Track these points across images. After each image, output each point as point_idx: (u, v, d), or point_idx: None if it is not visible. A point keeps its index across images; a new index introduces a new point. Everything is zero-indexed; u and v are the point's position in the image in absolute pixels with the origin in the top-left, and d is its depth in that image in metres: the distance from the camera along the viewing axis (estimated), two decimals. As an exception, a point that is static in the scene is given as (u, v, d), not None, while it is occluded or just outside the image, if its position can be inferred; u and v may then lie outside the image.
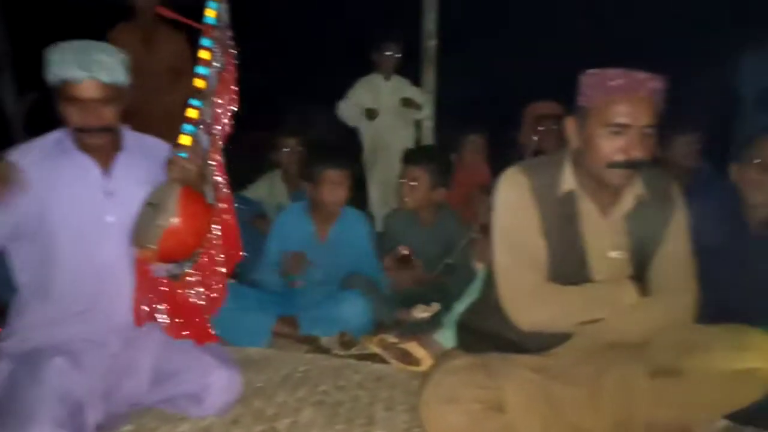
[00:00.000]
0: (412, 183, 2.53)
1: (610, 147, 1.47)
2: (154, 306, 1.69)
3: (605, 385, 1.48)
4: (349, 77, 3.91)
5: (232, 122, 1.74)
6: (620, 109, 1.46)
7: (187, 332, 1.69)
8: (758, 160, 1.89)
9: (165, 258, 1.61)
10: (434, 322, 2.24)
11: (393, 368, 2.04)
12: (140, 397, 1.70)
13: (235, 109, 1.75)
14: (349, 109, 3.84)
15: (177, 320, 1.69)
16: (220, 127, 1.73)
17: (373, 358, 2.12)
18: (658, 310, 1.55)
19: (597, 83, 1.49)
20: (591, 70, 1.53)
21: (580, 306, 1.54)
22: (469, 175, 3.53)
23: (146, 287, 1.68)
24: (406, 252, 2.52)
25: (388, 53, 3.81)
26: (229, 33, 1.73)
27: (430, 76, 4.16)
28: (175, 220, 1.53)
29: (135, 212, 1.59)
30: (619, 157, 1.47)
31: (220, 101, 1.71)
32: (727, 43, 3.62)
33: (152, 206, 1.58)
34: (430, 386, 1.43)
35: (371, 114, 3.74)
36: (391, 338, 2.11)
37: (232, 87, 1.74)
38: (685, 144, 2.72)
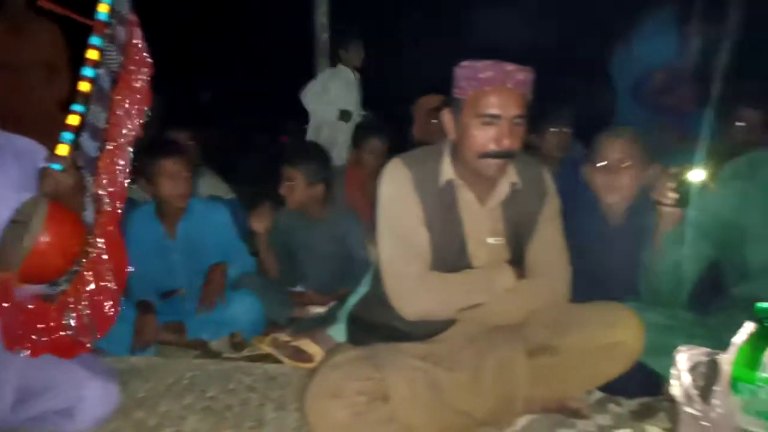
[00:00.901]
0: (289, 183, 2.50)
1: (483, 137, 1.52)
2: (22, 329, 1.55)
3: (486, 367, 1.53)
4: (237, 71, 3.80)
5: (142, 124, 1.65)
6: (491, 100, 1.50)
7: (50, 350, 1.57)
8: (604, 163, 1.91)
9: (30, 280, 1.51)
10: (330, 317, 2.23)
11: (286, 367, 2.00)
12: (3, 417, 1.56)
13: (147, 110, 1.65)
14: (324, 109, 3.67)
15: (42, 339, 1.57)
16: (126, 131, 1.62)
17: (266, 358, 2.07)
18: (535, 291, 1.62)
19: (469, 75, 1.53)
20: (463, 62, 1.57)
21: (462, 292, 1.58)
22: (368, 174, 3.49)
23: (11, 310, 1.54)
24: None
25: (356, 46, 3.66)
26: (135, 30, 1.62)
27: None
28: (42, 240, 1.43)
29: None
30: (491, 148, 1.52)
31: (124, 104, 1.60)
32: (604, 35, 3.84)
33: (18, 224, 1.45)
34: (314, 383, 1.42)
35: (346, 116, 3.62)
36: (284, 337, 2.08)
37: (140, 87, 1.64)
38: (554, 134, 2.90)
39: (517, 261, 1.66)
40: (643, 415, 1.62)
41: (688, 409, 1.18)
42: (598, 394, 1.72)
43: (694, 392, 1.18)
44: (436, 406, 1.44)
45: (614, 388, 1.67)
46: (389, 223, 1.62)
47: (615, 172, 1.90)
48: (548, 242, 1.67)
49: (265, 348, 2.07)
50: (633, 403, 1.68)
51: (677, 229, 1.60)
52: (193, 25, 6.27)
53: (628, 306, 1.65)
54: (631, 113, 3.63)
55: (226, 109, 6.65)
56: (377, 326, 1.65)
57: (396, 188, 1.61)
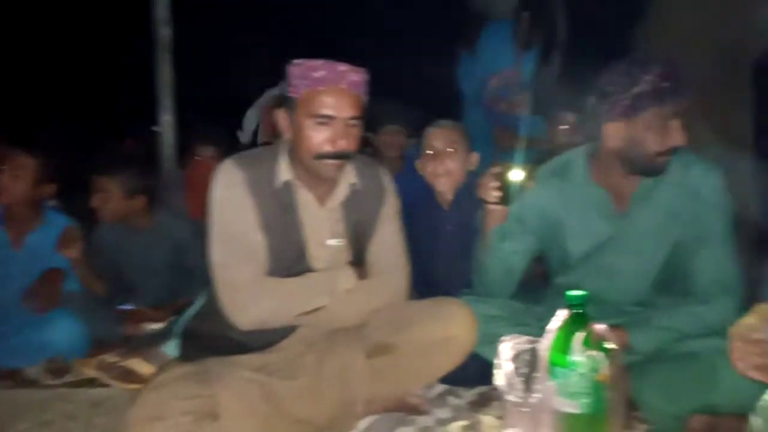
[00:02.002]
0: (101, 194, 2.31)
1: (317, 138, 1.49)
2: None
3: (326, 372, 1.50)
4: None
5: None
6: (324, 101, 1.48)
7: None
8: (431, 152, 2.08)
9: None
10: (167, 332, 2.07)
11: (115, 391, 1.82)
12: None
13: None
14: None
15: None
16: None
17: (92, 383, 1.87)
18: (375, 291, 1.63)
19: (301, 74, 1.50)
20: (296, 60, 1.53)
21: (300, 296, 1.54)
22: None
23: None
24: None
25: None
26: None
27: (165, 69, 3.86)
28: None
29: None
30: (326, 148, 1.49)
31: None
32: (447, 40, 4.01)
33: None
34: (136, 406, 1.29)
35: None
36: (112, 357, 1.89)
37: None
38: (390, 135, 2.99)
39: (359, 262, 1.66)
40: (479, 404, 1.69)
41: (510, 397, 1.24)
42: (440, 388, 1.76)
43: (515, 380, 1.24)
44: (272, 418, 1.38)
45: (455, 380, 1.72)
46: (221, 228, 1.53)
47: (441, 159, 2.05)
48: (387, 241, 1.68)
49: (90, 371, 1.87)
50: (471, 394, 1.75)
51: (503, 224, 1.68)
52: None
53: (462, 299, 1.72)
54: (474, 116, 3.82)
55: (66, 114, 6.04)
56: (212, 339, 1.55)
57: (227, 191, 1.53)
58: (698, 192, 1.55)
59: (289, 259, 1.57)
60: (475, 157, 2.12)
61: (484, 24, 3.69)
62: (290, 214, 1.57)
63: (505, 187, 1.57)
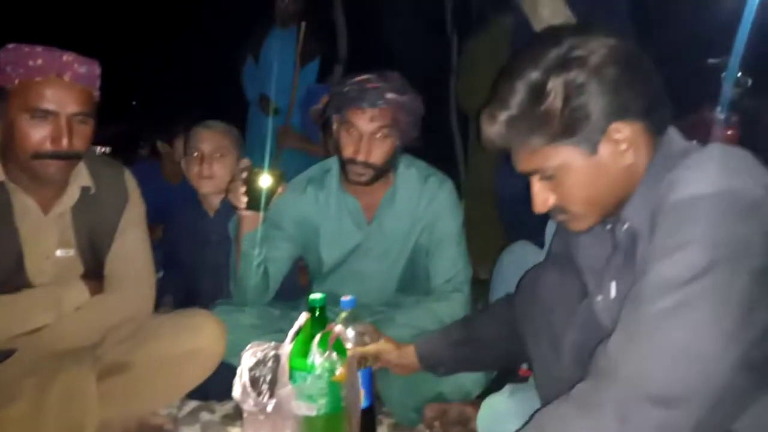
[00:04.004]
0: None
1: (34, 135, 1.32)
2: None
3: (50, 396, 1.32)
4: None
5: None
6: (42, 93, 1.31)
7: None
8: (195, 153, 1.97)
9: None
10: None
11: None
12: None
13: None
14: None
15: None
16: None
17: None
18: (113, 306, 1.49)
19: (14, 59, 1.31)
20: (10, 45, 1.34)
21: (16, 315, 1.36)
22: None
23: None
24: None
25: None
26: None
27: None
28: None
29: None
30: (46, 147, 1.33)
31: None
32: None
33: None
34: None
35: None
36: None
37: None
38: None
39: (95, 274, 1.50)
40: (233, 418, 1.63)
41: (246, 406, 1.21)
42: (193, 404, 1.67)
43: (251, 388, 1.22)
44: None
45: (208, 394, 1.65)
46: None
47: (207, 162, 1.95)
48: (130, 251, 1.55)
49: None
50: (226, 408, 1.69)
51: (260, 230, 1.66)
52: None
53: (216, 309, 1.66)
54: (258, 120, 3.76)
55: None
56: None
57: None
58: (434, 200, 1.70)
59: (3, 273, 1.36)
60: (245, 163, 2.01)
61: (268, 31, 3.71)
62: (5, 222, 1.37)
63: (253, 191, 1.55)
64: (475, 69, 2.95)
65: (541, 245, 1.61)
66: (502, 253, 1.81)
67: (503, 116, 0.94)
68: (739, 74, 3.21)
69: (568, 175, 0.95)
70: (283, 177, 1.57)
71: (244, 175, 1.54)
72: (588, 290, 1.09)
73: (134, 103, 6.65)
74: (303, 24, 3.48)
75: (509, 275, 1.64)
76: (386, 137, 1.59)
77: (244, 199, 1.55)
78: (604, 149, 0.92)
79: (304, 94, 3.47)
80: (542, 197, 0.99)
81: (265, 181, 1.53)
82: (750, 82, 3.19)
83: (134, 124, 4.69)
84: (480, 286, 2.03)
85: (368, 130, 1.56)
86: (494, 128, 0.96)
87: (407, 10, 4.79)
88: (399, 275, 1.75)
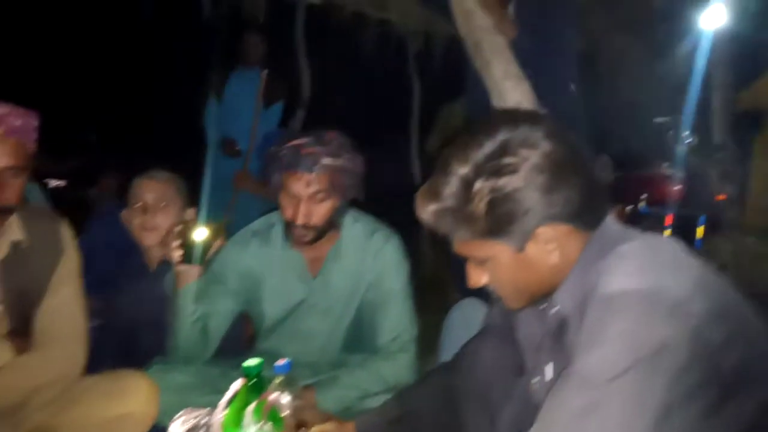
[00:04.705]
0: None
1: None
2: None
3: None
4: None
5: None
6: None
7: None
8: (139, 203, 1.90)
9: None
10: None
11: None
12: None
13: None
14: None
15: None
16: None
17: None
18: (38, 366, 1.42)
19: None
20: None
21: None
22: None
23: None
24: None
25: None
26: None
27: None
28: None
29: None
30: None
31: None
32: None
33: None
34: None
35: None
36: None
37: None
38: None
39: (23, 331, 1.43)
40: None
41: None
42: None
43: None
44: None
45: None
46: None
47: (151, 213, 1.88)
48: (61, 308, 1.49)
49: None
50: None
51: (201, 285, 1.62)
52: None
53: (152, 369, 1.59)
54: (219, 161, 3.67)
55: None
56: None
57: None
58: (379, 256, 1.69)
59: None
60: (191, 213, 1.88)
61: (231, 71, 3.68)
62: None
63: (188, 245, 1.51)
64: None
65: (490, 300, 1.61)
66: (451, 311, 1.80)
67: (432, 207, 0.96)
68: (686, 132, 3.36)
69: (496, 267, 0.96)
70: (221, 229, 1.54)
71: (180, 227, 1.51)
72: (526, 366, 1.09)
73: (93, 137, 6.52)
74: (265, 71, 3.49)
75: (457, 334, 1.63)
76: (325, 199, 1.57)
77: (179, 253, 1.51)
78: (531, 248, 0.93)
79: (262, 139, 3.45)
80: (475, 278, 1.01)
81: (200, 234, 1.50)
82: (694, 140, 3.34)
83: (92, 159, 4.60)
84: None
85: (305, 194, 1.55)
86: (424, 214, 0.97)
87: (370, 56, 4.89)
88: (344, 333, 1.72)
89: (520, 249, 0.93)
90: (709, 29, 3.38)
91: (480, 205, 0.90)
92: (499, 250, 0.94)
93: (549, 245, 0.93)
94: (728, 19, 3.45)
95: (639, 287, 0.81)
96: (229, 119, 3.64)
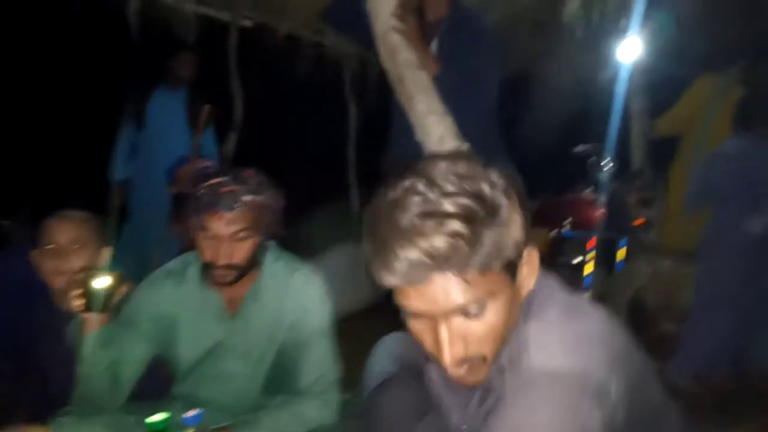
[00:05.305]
0: None
1: None
2: None
3: None
4: None
5: None
6: None
7: None
8: (51, 246, 1.80)
9: None
10: None
11: None
12: None
13: None
14: None
15: None
16: None
17: None
18: None
19: None
20: None
21: None
22: None
23: None
24: None
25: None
26: None
27: None
28: None
29: None
30: None
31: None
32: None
33: None
34: None
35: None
36: None
37: None
38: None
39: None
40: None
41: None
42: None
43: None
44: None
45: None
46: None
47: (63, 256, 1.78)
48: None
49: None
50: None
51: (106, 330, 1.56)
52: None
53: (57, 420, 1.52)
54: (145, 192, 3.52)
55: None
56: None
57: None
58: (301, 296, 1.67)
59: None
60: (105, 254, 1.80)
61: (152, 93, 3.47)
62: None
63: (89, 293, 1.47)
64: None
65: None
66: (375, 346, 1.80)
67: (450, 229, 0.82)
68: (607, 159, 3.52)
69: (497, 307, 0.88)
70: (122, 276, 1.50)
71: (79, 276, 1.46)
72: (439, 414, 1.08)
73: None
74: (197, 93, 3.40)
75: (380, 370, 1.63)
76: (246, 238, 1.56)
77: (80, 301, 1.47)
78: (521, 275, 0.92)
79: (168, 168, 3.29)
80: (457, 348, 0.88)
81: (100, 282, 1.46)
82: (614, 166, 3.49)
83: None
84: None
85: (226, 233, 1.52)
86: (436, 242, 0.82)
87: (305, 79, 4.87)
88: (264, 375, 1.69)
89: (514, 278, 0.90)
90: (627, 61, 3.57)
91: (489, 229, 0.84)
92: (503, 281, 0.87)
93: (530, 270, 0.93)
94: (643, 52, 3.65)
95: (563, 369, 0.83)
96: (153, 145, 3.47)
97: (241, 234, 1.54)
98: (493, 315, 0.87)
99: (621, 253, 3.48)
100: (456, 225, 0.82)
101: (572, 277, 3.37)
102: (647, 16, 3.28)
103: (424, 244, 0.81)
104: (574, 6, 3.23)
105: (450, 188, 0.84)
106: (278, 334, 1.67)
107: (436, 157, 0.92)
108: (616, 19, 3.43)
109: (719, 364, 2.73)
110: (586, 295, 3.51)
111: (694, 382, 2.73)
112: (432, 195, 0.84)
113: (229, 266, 1.55)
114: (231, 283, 1.59)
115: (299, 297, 1.67)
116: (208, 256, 1.54)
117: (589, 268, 3.54)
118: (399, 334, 1.76)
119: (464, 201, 0.83)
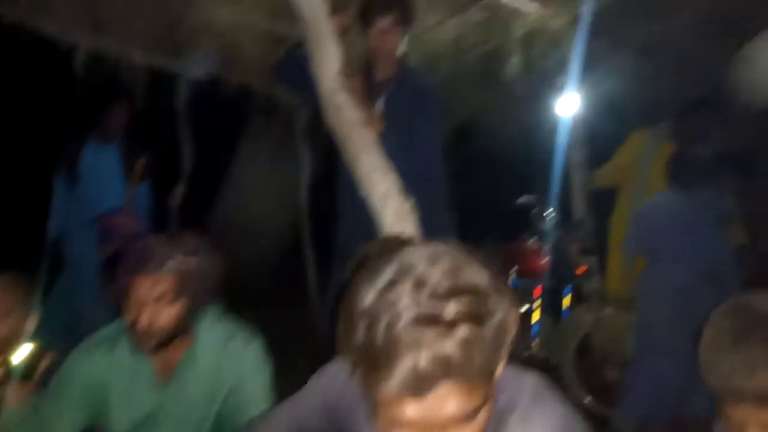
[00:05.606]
0: None
1: None
2: None
3: None
4: None
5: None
6: None
7: None
8: None
9: None
10: None
11: None
12: None
13: None
14: None
15: None
16: None
17: None
18: None
19: None
20: None
21: None
22: None
23: None
24: None
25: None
26: None
27: None
28: None
29: None
30: None
31: None
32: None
33: None
34: None
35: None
36: None
37: None
38: None
39: None
40: None
41: None
42: None
43: None
44: None
45: None
46: None
47: None
48: None
49: None
50: None
51: (33, 400, 1.49)
52: None
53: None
54: (80, 246, 3.36)
55: None
56: None
57: None
58: (239, 361, 1.64)
59: None
60: (31, 321, 1.65)
61: (84, 146, 3.37)
62: None
63: (10, 366, 1.41)
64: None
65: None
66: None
67: (466, 332, 0.77)
68: (549, 209, 3.63)
69: (489, 404, 0.84)
70: (45, 347, 1.45)
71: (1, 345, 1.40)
72: None
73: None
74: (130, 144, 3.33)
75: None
76: (172, 302, 1.51)
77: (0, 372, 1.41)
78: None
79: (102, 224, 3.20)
80: None
81: (22, 351, 1.41)
82: (556, 216, 3.61)
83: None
84: None
85: (151, 296, 1.48)
86: (449, 346, 0.75)
87: (256, 130, 4.88)
88: (201, 442, 1.64)
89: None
90: (566, 115, 3.74)
91: (492, 328, 0.80)
92: (492, 387, 0.84)
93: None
94: (581, 106, 3.83)
95: None
96: (87, 198, 3.34)
97: (167, 298, 1.50)
98: (484, 415, 0.83)
99: (566, 301, 3.56)
100: (464, 331, 0.76)
101: (519, 326, 3.41)
102: (584, 73, 3.46)
103: (430, 351, 0.75)
104: (516, 63, 3.38)
105: (444, 286, 0.78)
106: (216, 400, 1.63)
107: (412, 246, 0.87)
108: (555, 75, 3.60)
109: (662, 411, 2.78)
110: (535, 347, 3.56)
111: (637, 430, 2.78)
112: (423, 297, 0.78)
113: (150, 331, 1.50)
114: (158, 349, 1.55)
115: (238, 362, 1.64)
116: (129, 317, 1.50)
117: (536, 316, 3.61)
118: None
119: (464, 300, 0.78)
